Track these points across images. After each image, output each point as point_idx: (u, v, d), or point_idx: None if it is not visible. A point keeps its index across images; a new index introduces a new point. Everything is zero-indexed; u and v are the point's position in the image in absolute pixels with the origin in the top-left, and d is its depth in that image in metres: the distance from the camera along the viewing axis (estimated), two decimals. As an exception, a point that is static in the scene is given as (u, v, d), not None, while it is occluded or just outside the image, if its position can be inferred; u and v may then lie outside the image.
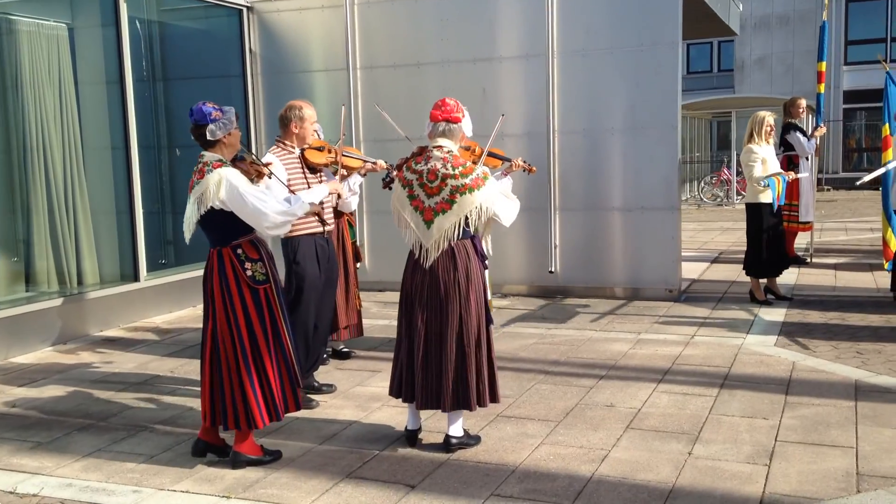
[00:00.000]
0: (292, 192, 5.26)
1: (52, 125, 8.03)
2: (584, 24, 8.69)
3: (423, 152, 4.64)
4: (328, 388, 5.87)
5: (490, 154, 6.52)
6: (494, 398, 4.69)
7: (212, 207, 4.36)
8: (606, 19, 8.62)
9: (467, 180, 4.49)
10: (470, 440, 4.75)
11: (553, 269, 8.97)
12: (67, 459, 4.77)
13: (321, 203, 5.47)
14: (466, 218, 4.51)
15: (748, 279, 8.46)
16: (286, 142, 5.54)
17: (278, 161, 5.40)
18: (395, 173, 4.81)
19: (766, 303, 8.21)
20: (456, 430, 4.69)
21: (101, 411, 5.62)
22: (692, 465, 4.41)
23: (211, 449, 4.67)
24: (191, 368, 6.56)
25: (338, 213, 6.38)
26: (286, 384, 4.58)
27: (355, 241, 6.78)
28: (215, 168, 4.37)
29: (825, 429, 4.87)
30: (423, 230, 4.55)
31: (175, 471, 4.55)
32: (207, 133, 4.43)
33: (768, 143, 8.08)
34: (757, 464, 4.40)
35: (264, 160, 5.38)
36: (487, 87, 9.07)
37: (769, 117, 8.08)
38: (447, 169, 4.50)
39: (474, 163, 6.40)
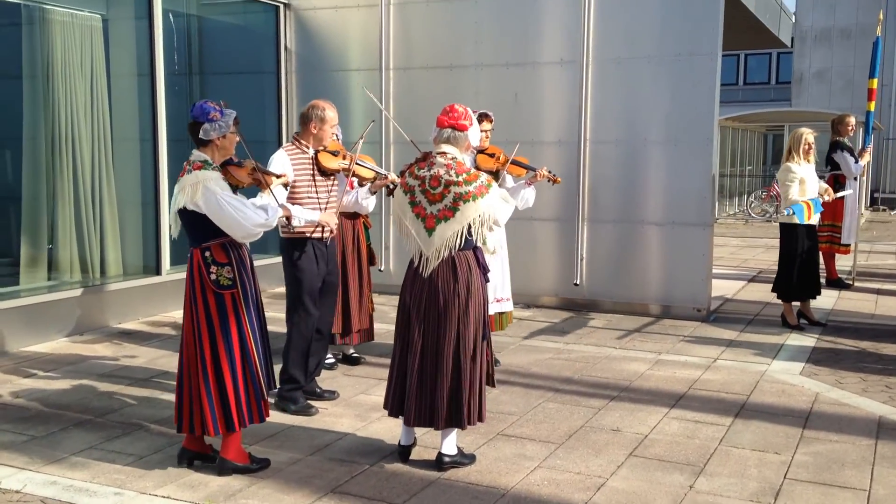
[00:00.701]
0: (287, 201, 5.17)
1: (83, 115, 8.05)
2: (621, 30, 8.46)
3: (426, 158, 4.50)
4: (330, 395, 5.76)
5: (514, 162, 6.39)
6: (481, 417, 4.53)
7: (184, 207, 4.28)
8: (644, 27, 8.39)
9: (471, 188, 4.34)
10: (464, 459, 4.59)
11: (578, 282, 8.75)
12: (57, 456, 4.72)
13: (325, 210, 5.37)
14: (469, 227, 4.35)
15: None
16: (302, 140, 5.44)
17: (288, 160, 5.29)
18: (397, 179, 4.68)
19: (798, 328, 7.91)
20: (449, 448, 4.54)
21: (102, 407, 5.59)
22: (691, 500, 4.20)
23: (197, 457, 4.58)
24: (199, 366, 6.49)
25: (354, 215, 6.28)
26: (251, 394, 4.45)
27: (370, 244, 6.66)
28: (195, 169, 4.29)
29: (839, 468, 4.61)
30: (425, 238, 4.41)
31: (161, 474, 4.48)
32: (201, 131, 4.36)
33: (808, 161, 7.77)
34: (760, 503, 4.17)
35: (274, 158, 5.28)
36: (520, 92, 8.89)
37: (809, 135, 7.77)
38: (451, 175, 4.35)
39: (497, 171, 6.34)
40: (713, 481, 4.42)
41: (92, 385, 6.04)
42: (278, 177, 4.86)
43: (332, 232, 5.48)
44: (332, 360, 6.54)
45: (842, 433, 5.16)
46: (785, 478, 4.48)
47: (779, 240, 7.97)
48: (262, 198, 4.74)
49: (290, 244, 5.38)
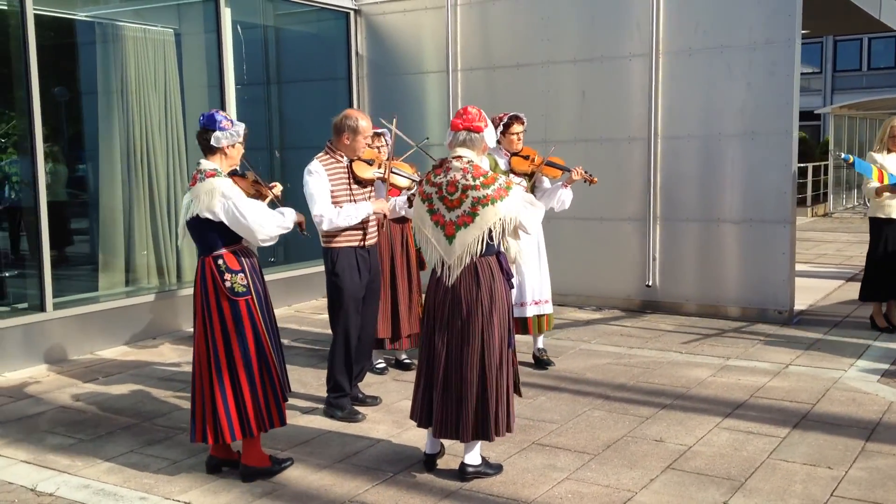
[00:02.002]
0: (336, 203, 5.19)
1: (157, 127, 8.32)
2: (691, 20, 8.11)
3: (443, 164, 4.39)
4: (372, 401, 5.72)
5: (549, 164, 6.22)
6: (510, 427, 4.38)
7: (197, 216, 4.31)
8: (716, 15, 8.01)
9: (489, 191, 4.20)
10: (488, 469, 4.46)
11: (650, 283, 8.44)
12: (98, 459, 4.85)
13: (365, 218, 5.34)
14: (490, 231, 4.22)
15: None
16: (336, 149, 5.40)
17: (324, 170, 5.26)
18: (416, 188, 4.60)
19: (888, 330, 7.37)
20: (473, 458, 4.42)
21: (152, 411, 5.72)
22: (721, 518, 3.95)
23: (224, 463, 4.62)
24: (255, 371, 6.58)
25: (402, 219, 6.23)
26: (270, 399, 4.45)
27: (419, 248, 6.59)
28: (208, 177, 4.32)
29: (895, 486, 4.24)
30: (445, 246, 4.29)
31: (188, 479, 4.53)
32: (212, 139, 4.39)
33: (894, 150, 7.23)
34: (797, 523, 3.89)
35: (311, 169, 5.28)
36: (587, 88, 8.65)
37: (894, 123, 7.24)
38: (468, 180, 4.23)
39: (532, 173, 6.17)
40: (750, 498, 4.14)
41: (148, 390, 6.21)
42: (271, 188, 4.86)
43: (385, 217, 5.44)
44: (384, 366, 6.52)
45: (908, 447, 4.76)
46: (832, 495, 4.15)
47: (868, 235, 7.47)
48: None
49: (332, 253, 5.35)
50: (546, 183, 6.41)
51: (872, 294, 7.39)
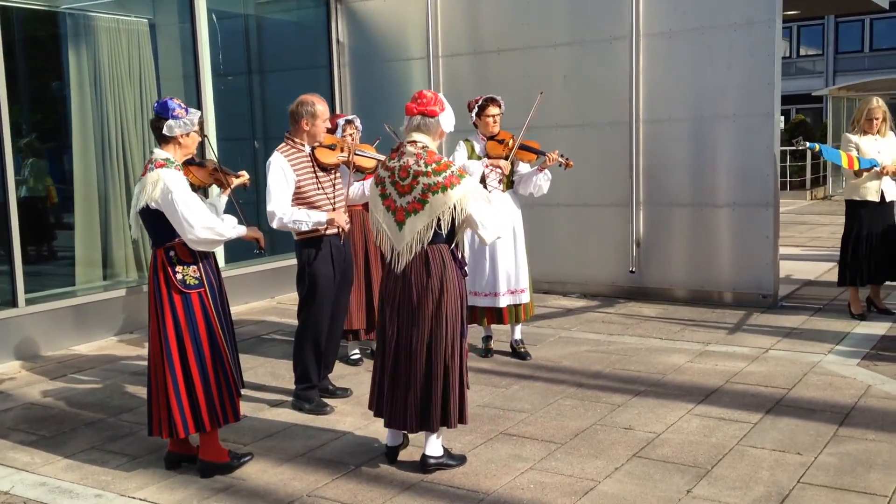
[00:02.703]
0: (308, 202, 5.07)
1: (132, 119, 8.22)
2: (669, 2, 7.99)
3: (398, 148, 4.29)
4: (342, 392, 5.64)
5: (523, 147, 6.12)
6: (463, 419, 4.29)
7: (147, 206, 4.22)
8: (696, -4, 7.89)
9: (440, 178, 4.09)
10: (450, 461, 4.37)
11: (633, 269, 8.34)
12: (57, 456, 4.78)
13: (334, 206, 5.23)
14: (439, 220, 4.11)
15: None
16: (296, 139, 5.28)
17: (286, 163, 5.15)
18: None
19: (861, 316, 7.23)
20: (433, 450, 4.33)
21: (118, 406, 5.65)
22: (683, 507, 3.86)
23: (184, 459, 4.54)
24: (229, 364, 6.51)
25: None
26: (224, 394, 4.37)
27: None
28: (157, 167, 4.22)
29: (864, 471, 4.15)
30: (395, 232, 4.20)
31: (146, 476, 4.46)
32: (164, 127, 4.29)
33: (871, 133, 7.10)
34: (760, 511, 3.80)
35: (271, 162, 5.17)
36: (568, 73, 8.53)
37: (873, 105, 7.09)
38: (419, 165, 4.13)
39: (506, 157, 6.06)
40: (715, 485, 4.05)
41: (119, 384, 6.13)
42: (238, 177, 4.75)
43: (344, 231, 5.33)
44: (359, 356, 6.44)
45: (881, 431, 4.66)
46: (798, 482, 4.06)
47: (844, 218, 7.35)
48: (222, 198, 4.67)
49: (305, 244, 5.23)
50: (523, 168, 6.30)
51: (850, 279, 7.27)
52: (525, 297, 6.28)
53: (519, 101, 8.59)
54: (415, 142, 4.21)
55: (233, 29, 9.55)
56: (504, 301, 6.21)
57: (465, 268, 4.35)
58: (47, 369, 6.61)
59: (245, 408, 5.39)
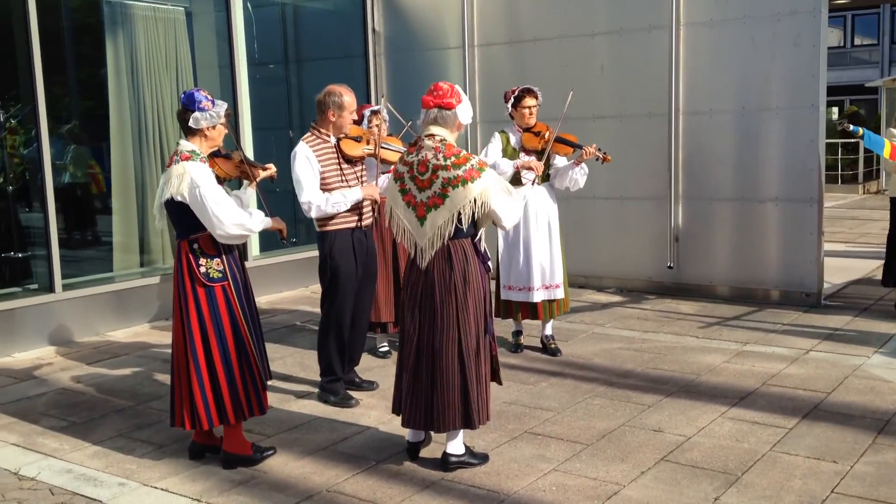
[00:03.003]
0: (326, 188, 5.04)
1: (169, 107, 8.25)
2: (714, -9, 7.79)
3: (416, 142, 4.21)
4: (369, 385, 5.60)
5: (559, 140, 6.00)
6: (488, 416, 4.22)
7: (171, 198, 4.19)
8: (740, -15, 7.67)
9: (460, 171, 4.01)
10: (472, 459, 4.31)
11: (672, 265, 8.17)
12: (85, 443, 4.81)
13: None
14: (460, 214, 4.03)
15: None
16: (322, 129, 5.23)
17: (311, 153, 5.10)
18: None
19: (908, 318, 7.02)
20: (455, 448, 4.27)
21: (149, 393, 5.68)
22: (710, 515, 3.75)
23: (208, 449, 4.54)
24: (259, 354, 6.51)
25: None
26: (249, 387, 4.34)
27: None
28: (182, 160, 4.19)
29: (902, 482, 4.00)
30: (417, 227, 4.13)
31: (170, 465, 4.46)
32: (191, 120, 4.26)
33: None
34: (789, 521, 3.67)
35: (297, 152, 5.12)
36: (606, 62, 8.37)
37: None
38: (438, 159, 4.05)
39: (542, 150, 5.95)
40: (744, 494, 3.93)
41: (149, 372, 6.17)
42: (265, 169, 4.70)
43: (376, 203, 5.28)
44: (387, 349, 6.40)
45: (923, 440, 4.49)
46: (832, 492, 3.92)
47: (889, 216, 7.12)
48: (248, 191, 4.62)
49: (327, 237, 5.19)
50: (559, 161, 6.18)
51: (895, 279, 7.04)
52: (560, 293, 6.16)
53: (555, 91, 8.45)
54: (433, 135, 4.13)
55: (269, 17, 9.54)
56: (538, 296, 6.11)
57: (489, 262, 4.26)
58: (82, 354, 6.68)
59: (271, 398, 5.35)
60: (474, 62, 9.13)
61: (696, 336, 6.72)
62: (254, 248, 8.80)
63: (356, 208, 5.15)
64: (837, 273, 8.90)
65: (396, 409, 4.37)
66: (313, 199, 5.02)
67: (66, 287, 7.07)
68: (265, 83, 9.39)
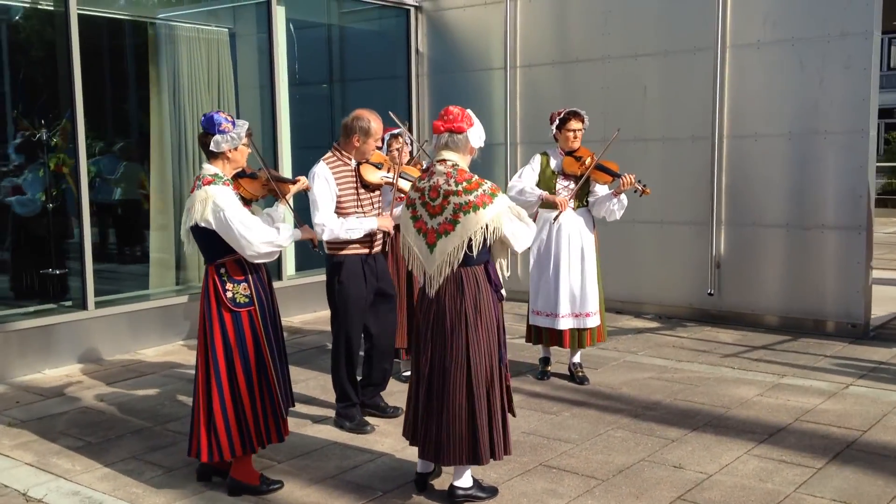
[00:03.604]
0: (342, 212, 4.99)
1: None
2: (760, 11, 7.56)
3: (428, 168, 4.13)
4: (394, 411, 5.49)
5: (599, 168, 5.86)
6: (507, 450, 4.08)
7: (196, 224, 4.16)
8: (786, 5, 7.44)
9: (472, 197, 3.91)
10: (480, 493, 4.17)
11: (712, 291, 7.92)
12: (97, 464, 4.81)
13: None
14: (470, 241, 3.93)
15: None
16: (344, 151, 5.18)
17: (330, 173, 5.06)
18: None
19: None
20: (463, 481, 4.14)
21: (168, 414, 5.67)
22: (721, 562, 3.55)
23: (216, 473, 4.49)
24: (284, 375, 6.47)
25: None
26: (268, 414, 4.28)
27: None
28: (205, 185, 4.16)
29: (933, 533, 3.75)
30: (427, 254, 4.03)
31: (175, 491, 4.41)
32: (212, 143, 4.23)
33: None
34: (805, 572, 3.46)
35: (315, 172, 5.08)
36: (649, 84, 8.19)
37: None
38: (450, 185, 3.95)
39: (579, 177, 5.81)
40: (761, 539, 3.73)
41: (172, 392, 6.17)
42: (294, 183, 4.64)
43: (390, 235, 5.23)
44: (409, 374, 6.28)
45: (961, 487, 4.22)
46: (856, 541, 3.70)
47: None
48: (279, 208, 4.55)
49: (337, 263, 5.14)
50: (600, 189, 6.03)
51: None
52: (591, 322, 5.97)
53: (598, 113, 8.37)
54: (444, 160, 4.04)
55: (313, 38, 9.60)
56: (564, 323, 5.95)
57: (502, 290, 4.14)
58: (111, 373, 6.72)
59: (288, 422, 5.33)
60: (516, 83, 9.04)
61: (732, 367, 6.47)
62: (289, 267, 8.81)
63: (368, 236, 5.08)
64: (889, 302, 8.53)
65: (408, 435, 4.27)
66: (327, 222, 4.97)
67: (98, 304, 7.13)
68: (307, 103, 9.43)
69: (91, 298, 7.08)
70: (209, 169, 4.26)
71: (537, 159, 6.08)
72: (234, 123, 4.27)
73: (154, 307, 7.61)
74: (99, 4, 7.73)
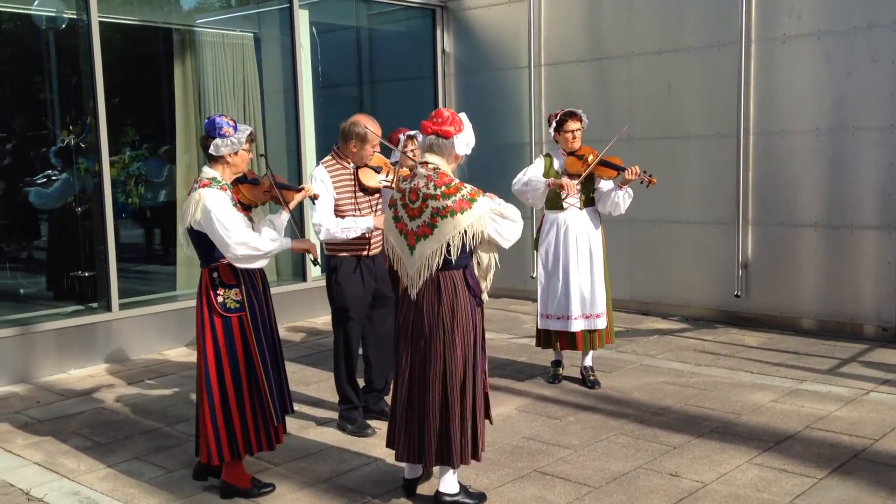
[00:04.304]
0: (340, 214, 5.01)
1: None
2: (784, 4, 7.35)
3: (413, 169, 4.11)
4: (394, 415, 5.50)
5: (602, 163, 5.79)
6: (476, 455, 4.04)
7: (190, 226, 4.21)
8: (812, -1, 7.24)
9: (449, 202, 3.87)
10: (467, 499, 4.14)
11: (739, 293, 7.74)
12: (101, 464, 4.90)
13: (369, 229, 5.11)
14: (448, 245, 3.90)
15: None
16: (342, 155, 5.21)
17: (328, 176, 5.08)
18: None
19: None
20: (448, 487, 4.11)
21: (179, 415, 5.76)
22: (700, 575, 3.47)
23: (212, 473, 4.54)
24: (299, 377, 6.53)
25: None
26: (259, 422, 4.30)
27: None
28: (201, 187, 4.20)
29: (928, 549, 3.60)
30: (408, 256, 4.02)
31: (171, 492, 4.48)
32: (211, 146, 4.27)
33: None
34: (785, 587, 3.35)
35: (314, 175, 5.10)
36: (673, 81, 8.04)
37: None
38: (429, 188, 3.92)
39: (578, 174, 5.74)
40: (746, 552, 3.63)
41: (187, 392, 6.26)
42: (299, 191, 4.64)
43: (376, 250, 5.24)
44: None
45: (968, 500, 4.05)
46: (845, 555, 3.57)
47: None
48: (282, 215, 4.54)
49: (334, 262, 5.18)
50: (605, 185, 5.95)
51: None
52: (601, 323, 5.90)
53: (624, 110, 8.27)
54: (426, 163, 4.01)
55: (339, 41, 9.65)
56: (577, 325, 5.88)
57: (481, 296, 4.09)
58: (132, 373, 6.86)
59: (292, 425, 5.38)
60: (541, 81, 8.96)
61: (752, 371, 6.32)
62: (314, 269, 8.86)
63: (365, 237, 5.09)
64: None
65: (390, 443, 4.26)
66: (324, 221, 4.99)
67: (122, 306, 7.28)
68: (334, 105, 9.48)
69: (115, 300, 7.22)
70: (208, 172, 4.30)
71: (540, 160, 6.04)
72: (235, 128, 4.30)
73: (180, 308, 7.72)
74: (119, 12, 7.89)
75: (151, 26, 8.44)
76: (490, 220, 3.93)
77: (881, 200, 7.01)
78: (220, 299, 4.24)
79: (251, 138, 4.40)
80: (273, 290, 8.21)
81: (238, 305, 4.26)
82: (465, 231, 3.87)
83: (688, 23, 7.92)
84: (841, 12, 7.06)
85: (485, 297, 4.21)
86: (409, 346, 4.07)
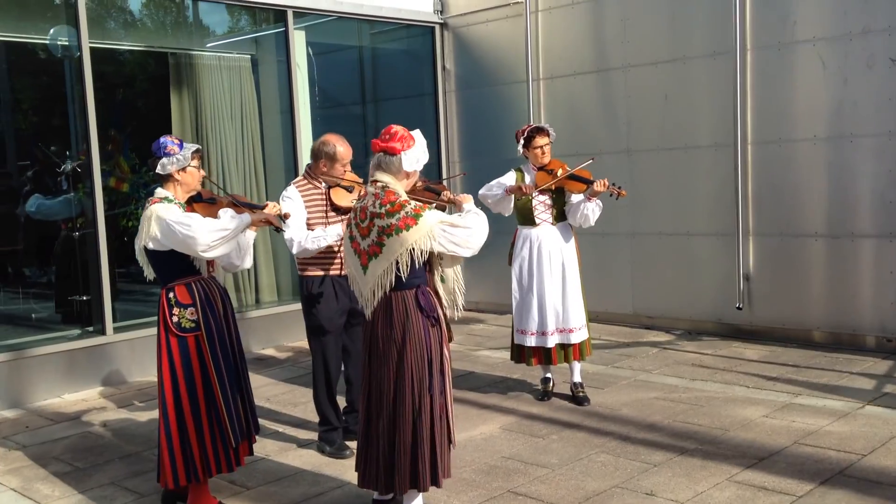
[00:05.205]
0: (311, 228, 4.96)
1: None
2: (779, 11, 7.22)
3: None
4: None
5: (571, 177, 5.72)
6: (436, 481, 3.94)
7: (144, 246, 4.19)
8: (808, 4, 7.08)
9: (393, 220, 3.78)
10: (433, 522, 4.06)
11: (741, 305, 7.57)
12: (74, 491, 4.87)
13: (339, 247, 5.05)
14: (397, 263, 3.82)
15: None
16: (314, 174, 5.18)
17: (299, 196, 5.06)
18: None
19: None
20: (413, 510, 4.03)
21: (162, 439, 5.73)
22: None
23: (179, 498, 4.50)
24: (288, 398, 6.49)
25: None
26: (217, 443, 4.25)
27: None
28: (151, 204, 4.19)
29: (901, 570, 3.44)
30: (361, 276, 3.96)
31: (140, 516, 4.46)
32: (159, 166, 4.26)
33: None
34: None
35: (285, 195, 5.08)
36: (670, 92, 7.92)
37: None
38: (375, 207, 3.86)
39: (555, 189, 5.67)
40: (710, 574, 3.50)
41: (175, 415, 6.23)
42: (263, 208, 4.60)
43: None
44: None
45: (952, 518, 3.88)
46: (814, 578, 3.43)
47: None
48: (248, 234, 4.50)
49: (307, 282, 5.14)
50: (575, 198, 5.88)
51: None
52: (575, 337, 5.82)
53: (622, 123, 8.17)
54: (375, 181, 3.95)
55: (339, 60, 9.65)
56: (553, 340, 5.80)
57: (434, 315, 3.99)
58: (124, 397, 6.85)
59: (272, 447, 5.35)
60: (539, 95, 8.88)
61: (747, 385, 6.16)
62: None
63: (336, 254, 5.04)
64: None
65: (357, 467, 4.18)
66: (295, 235, 4.96)
67: (116, 329, 7.29)
68: (335, 125, 9.47)
69: (109, 324, 7.24)
70: (159, 192, 4.29)
71: (512, 174, 6.00)
72: (181, 146, 4.29)
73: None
74: (111, 38, 7.96)
75: (149, 51, 8.51)
76: (441, 232, 3.83)
77: (882, 208, 6.82)
78: (174, 319, 4.21)
79: (198, 154, 4.38)
80: (272, 310, 8.31)
81: (193, 325, 4.22)
82: (413, 248, 3.79)
83: (682, 33, 7.81)
84: (836, 18, 6.92)
85: (458, 313, 4.13)
86: (367, 369, 4.00)
